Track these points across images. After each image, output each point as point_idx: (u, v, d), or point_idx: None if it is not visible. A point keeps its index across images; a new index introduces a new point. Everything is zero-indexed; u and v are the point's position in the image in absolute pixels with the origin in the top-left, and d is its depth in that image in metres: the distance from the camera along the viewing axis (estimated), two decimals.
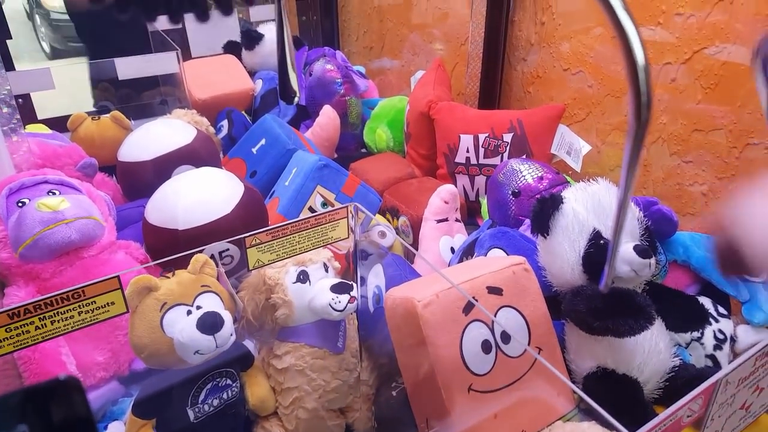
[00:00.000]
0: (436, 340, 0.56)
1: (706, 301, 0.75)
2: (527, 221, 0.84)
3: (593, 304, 0.60)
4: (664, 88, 0.97)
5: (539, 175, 0.87)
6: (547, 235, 0.67)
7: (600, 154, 1.12)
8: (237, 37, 1.53)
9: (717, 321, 0.73)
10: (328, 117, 1.25)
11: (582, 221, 0.64)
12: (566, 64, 1.15)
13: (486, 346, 0.58)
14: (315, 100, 1.31)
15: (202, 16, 0.26)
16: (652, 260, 0.62)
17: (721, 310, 0.75)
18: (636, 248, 0.61)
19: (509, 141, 1.06)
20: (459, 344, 0.57)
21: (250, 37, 1.47)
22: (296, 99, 0.42)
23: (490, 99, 1.29)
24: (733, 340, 0.73)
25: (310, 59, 1.48)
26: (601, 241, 0.63)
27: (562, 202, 0.67)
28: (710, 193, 0.95)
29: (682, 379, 0.64)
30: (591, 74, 1.10)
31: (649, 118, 0.21)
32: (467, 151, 1.10)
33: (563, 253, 0.64)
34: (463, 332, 0.57)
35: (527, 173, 0.87)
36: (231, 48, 1.54)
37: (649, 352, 0.61)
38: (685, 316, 0.72)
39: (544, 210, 0.67)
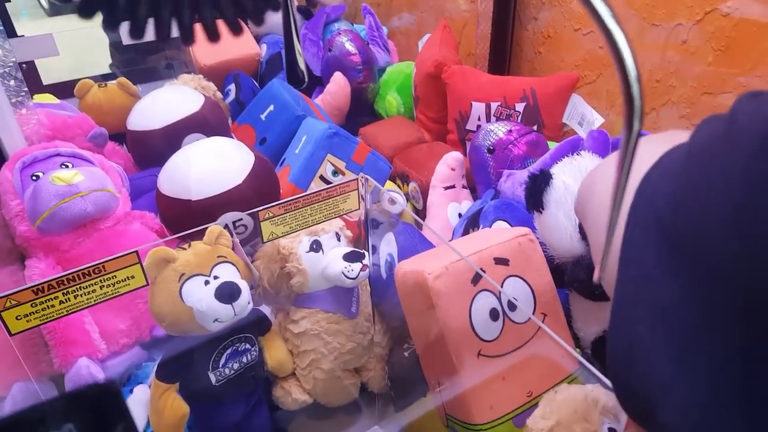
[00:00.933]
0: (446, 311, 0.58)
1: None
2: (506, 172, 0.87)
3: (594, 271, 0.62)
4: (675, 49, 0.96)
5: (508, 128, 0.93)
6: (542, 210, 0.68)
7: (609, 117, 1.12)
8: None
9: None
10: (338, 85, 1.24)
11: (573, 192, 0.65)
12: (578, 23, 1.13)
13: (494, 314, 0.60)
14: (331, 73, 1.28)
15: (213, 36, 0.27)
16: None
17: None
18: None
19: (521, 111, 1.06)
20: (468, 313, 0.59)
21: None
22: (305, 83, 0.42)
23: (501, 60, 1.28)
24: None
25: (330, 18, 1.44)
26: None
27: (552, 177, 0.68)
28: None
29: None
30: (591, 67, 1.09)
31: (641, 127, 0.22)
32: (479, 119, 1.10)
33: (560, 224, 0.66)
34: (472, 302, 0.59)
35: (497, 130, 0.93)
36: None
37: None
38: None
39: (536, 186, 0.68)
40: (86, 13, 0.26)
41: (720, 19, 0.88)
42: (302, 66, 0.40)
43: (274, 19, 1.48)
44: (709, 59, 0.91)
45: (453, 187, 0.95)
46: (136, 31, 0.27)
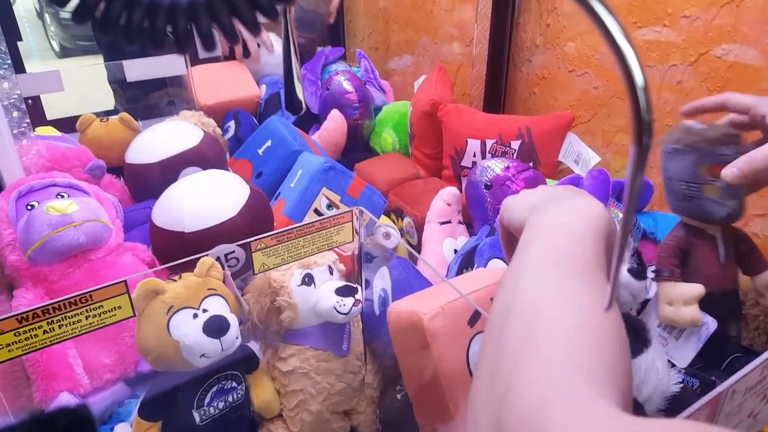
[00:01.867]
0: (442, 353, 0.56)
1: None
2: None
3: None
4: (670, 89, 0.97)
5: (506, 165, 0.93)
6: None
7: (605, 156, 1.12)
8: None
9: None
10: (335, 122, 1.25)
11: None
12: (572, 65, 1.15)
13: None
14: (328, 111, 1.30)
15: (210, 46, 0.27)
16: (647, 281, 0.62)
17: None
18: (630, 271, 0.61)
19: (516, 148, 1.07)
20: (465, 356, 0.57)
21: (248, 48, 1.48)
22: (302, 111, 0.42)
23: (495, 100, 1.29)
24: None
25: (328, 60, 1.47)
26: None
27: None
28: None
29: (687, 397, 0.64)
30: (596, 75, 1.10)
31: (650, 142, 0.21)
32: (474, 156, 1.11)
33: None
34: (470, 344, 0.57)
35: (495, 166, 0.93)
36: (232, 52, 1.54)
37: (647, 371, 0.60)
38: None
39: None
40: (104, 30, 0.26)
41: (714, 60, 0.89)
42: (300, 95, 0.41)
43: (273, 59, 1.51)
44: None
45: (449, 222, 0.95)
46: (157, 42, 0.27)
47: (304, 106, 0.42)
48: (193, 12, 0.27)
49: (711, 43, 0.89)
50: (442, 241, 0.93)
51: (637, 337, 0.59)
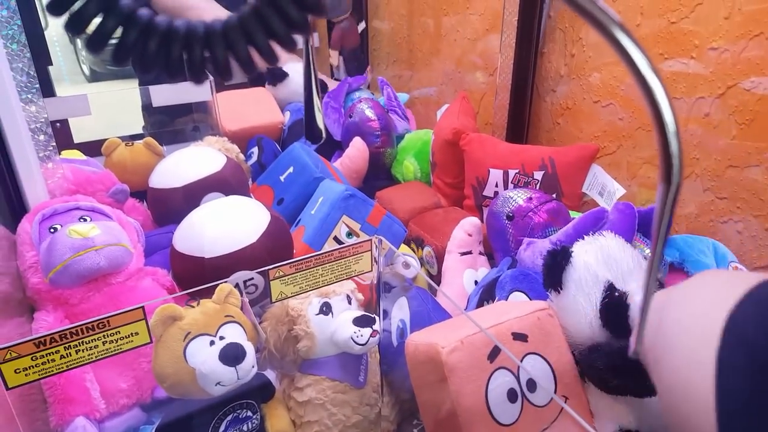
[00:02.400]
0: (461, 388, 0.55)
1: None
2: (526, 240, 0.85)
3: (612, 361, 0.58)
4: (697, 122, 0.95)
5: (528, 196, 0.91)
6: (561, 289, 0.64)
7: (630, 188, 1.10)
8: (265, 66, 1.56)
9: None
10: (357, 149, 1.26)
11: (594, 273, 0.62)
12: (596, 96, 1.14)
13: (512, 395, 0.57)
14: (350, 138, 1.31)
15: (225, 75, 0.27)
16: None
17: None
18: None
19: (539, 179, 1.05)
20: (485, 393, 0.55)
21: (274, 75, 1.50)
22: (322, 139, 0.42)
23: (519, 130, 1.29)
24: None
25: (352, 88, 1.49)
26: (616, 293, 0.60)
27: (572, 255, 0.65)
28: (745, 231, 0.92)
29: None
30: (622, 106, 1.09)
31: (680, 181, 0.20)
32: (496, 186, 1.09)
33: (579, 307, 0.62)
34: (489, 380, 0.56)
35: (517, 197, 0.92)
36: (254, 78, 1.56)
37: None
38: None
39: (556, 263, 0.64)
40: (119, 60, 0.26)
41: (743, 93, 0.88)
42: (320, 123, 0.41)
43: (296, 87, 1.52)
44: (733, 133, 0.91)
45: (470, 252, 0.94)
46: (171, 72, 0.27)
47: (323, 134, 0.42)
48: (209, 41, 0.26)
49: (739, 76, 0.88)
50: (463, 272, 0.92)
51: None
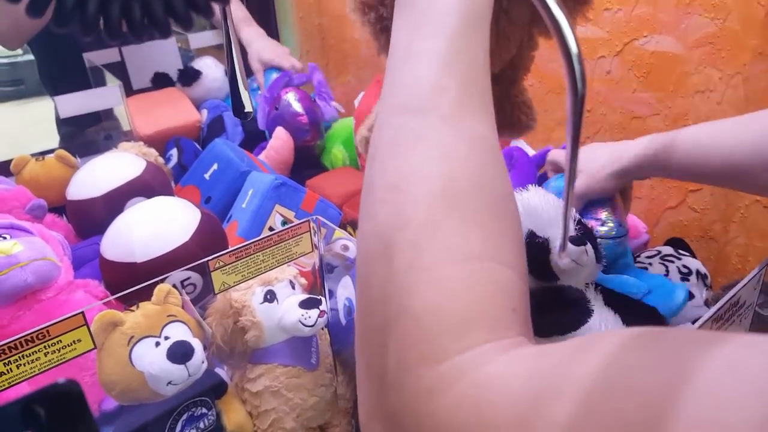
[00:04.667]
0: None
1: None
2: None
3: (535, 302, 0.61)
4: (600, 81, 1.01)
5: None
6: None
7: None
8: (177, 66, 1.50)
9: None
10: (281, 140, 1.24)
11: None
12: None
13: None
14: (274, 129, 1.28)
15: (139, 33, 0.26)
16: (588, 246, 0.64)
17: None
18: (570, 239, 0.62)
19: None
20: None
21: (187, 75, 1.45)
22: (252, 115, 0.42)
23: None
24: None
25: (292, 83, 1.43)
26: (537, 240, 0.64)
27: None
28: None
29: None
30: (531, 74, 1.14)
31: (585, 91, 0.22)
32: None
33: None
34: None
35: None
36: (159, 81, 1.51)
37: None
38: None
39: None
40: (60, 22, 0.25)
41: (638, 48, 0.94)
42: (246, 99, 0.40)
43: (211, 84, 1.48)
44: (634, 86, 0.97)
45: None
46: (87, 29, 0.26)
47: (252, 110, 0.42)
48: (126, 2, 0.26)
49: (633, 33, 0.94)
50: None
51: (578, 308, 0.60)
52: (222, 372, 0.73)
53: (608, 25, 0.97)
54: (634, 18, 0.93)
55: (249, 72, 1.46)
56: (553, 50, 0.23)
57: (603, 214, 0.76)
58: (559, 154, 0.83)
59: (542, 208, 0.66)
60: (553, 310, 0.60)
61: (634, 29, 0.94)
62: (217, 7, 0.28)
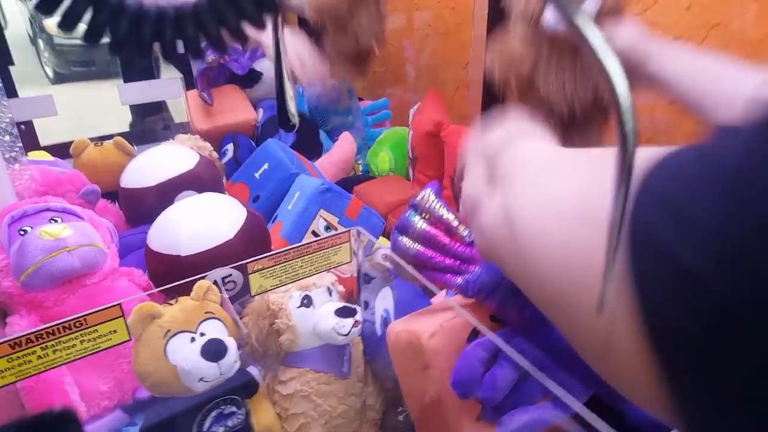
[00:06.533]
0: (442, 371, 0.55)
1: None
2: None
3: None
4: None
5: None
6: None
7: None
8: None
9: None
10: (347, 141, 1.26)
11: None
12: None
13: None
14: None
15: (196, 54, 0.26)
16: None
17: None
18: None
19: None
20: None
21: (249, 78, 1.48)
22: (296, 127, 0.42)
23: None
24: None
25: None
26: None
27: None
28: None
29: None
30: None
31: (634, 151, 0.20)
32: None
33: None
34: None
35: None
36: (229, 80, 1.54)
37: None
38: None
39: None
40: (91, 39, 0.26)
41: None
42: (293, 110, 0.40)
43: (270, 84, 1.50)
44: None
45: None
46: (143, 53, 0.27)
47: (297, 121, 0.42)
48: (179, 22, 0.26)
49: None
50: None
51: None
52: (255, 371, 0.73)
53: None
54: None
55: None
56: None
57: None
58: None
59: None
60: None
61: None
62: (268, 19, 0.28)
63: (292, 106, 0.40)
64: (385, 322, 0.73)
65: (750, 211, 0.17)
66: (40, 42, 4.61)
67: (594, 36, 0.21)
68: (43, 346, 0.48)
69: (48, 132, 1.37)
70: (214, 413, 0.63)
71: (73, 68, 4.54)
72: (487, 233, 0.35)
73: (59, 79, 4.64)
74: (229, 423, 0.64)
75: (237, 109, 1.42)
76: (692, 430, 0.21)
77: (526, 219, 0.29)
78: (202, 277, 0.63)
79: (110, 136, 1.13)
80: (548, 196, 0.29)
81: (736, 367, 0.18)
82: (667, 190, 0.20)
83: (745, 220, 0.17)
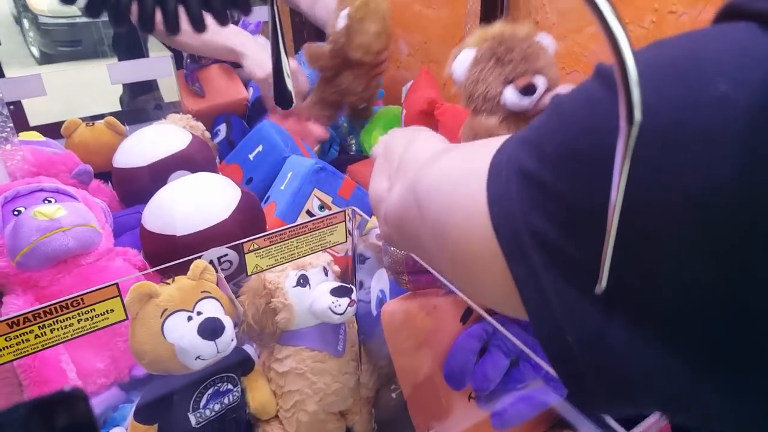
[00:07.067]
0: (436, 350, 0.56)
1: None
2: None
3: None
4: None
5: None
6: None
7: None
8: None
9: None
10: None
11: None
12: (561, 63, 1.15)
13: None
14: None
15: (199, 26, 0.26)
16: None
17: None
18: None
19: None
20: None
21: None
22: (293, 105, 0.42)
23: None
24: None
25: None
26: None
27: None
28: None
29: None
30: (586, 73, 1.10)
31: (641, 119, 0.21)
32: None
33: None
34: None
35: None
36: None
37: None
38: None
39: None
40: (92, 12, 0.26)
41: None
42: (290, 87, 0.40)
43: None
44: None
45: None
46: (118, 18, 0.27)
47: (294, 99, 0.42)
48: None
49: None
50: None
51: None
52: (250, 349, 0.74)
53: (671, 28, 0.93)
54: (700, 22, 0.89)
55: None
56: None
57: None
58: None
59: None
60: None
61: None
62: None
63: (289, 84, 0.40)
64: (381, 303, 0.74)
65: (578, 135, 0.25)
66: (25, 22, 4.53)
67: (601, 3, 0.21)
68: (40, 325, 0.49)
69: (37, 112, 1.36)
70: (210, 390, 0.64)
71: (60, 48, 4.47)
72: (391, 217, 0.42)
73: (45, 59, 4.57)
74: (225, 400, 0.65)
75: (228, 88, 1.40)
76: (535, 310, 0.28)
77: (427, 187, 0.36)
78: (198, 257, 0.63)
79: (101, 116, 1.12)
80: (440, 166, 0.37)
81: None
82: (532, 135, 0.28)
83: (578, 139, 0.25)
